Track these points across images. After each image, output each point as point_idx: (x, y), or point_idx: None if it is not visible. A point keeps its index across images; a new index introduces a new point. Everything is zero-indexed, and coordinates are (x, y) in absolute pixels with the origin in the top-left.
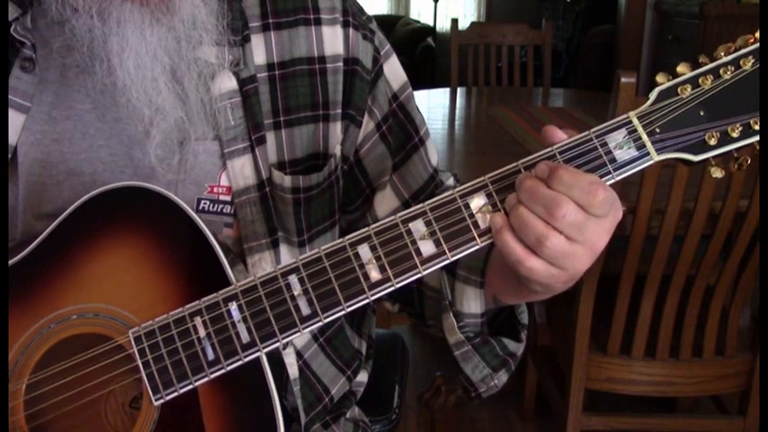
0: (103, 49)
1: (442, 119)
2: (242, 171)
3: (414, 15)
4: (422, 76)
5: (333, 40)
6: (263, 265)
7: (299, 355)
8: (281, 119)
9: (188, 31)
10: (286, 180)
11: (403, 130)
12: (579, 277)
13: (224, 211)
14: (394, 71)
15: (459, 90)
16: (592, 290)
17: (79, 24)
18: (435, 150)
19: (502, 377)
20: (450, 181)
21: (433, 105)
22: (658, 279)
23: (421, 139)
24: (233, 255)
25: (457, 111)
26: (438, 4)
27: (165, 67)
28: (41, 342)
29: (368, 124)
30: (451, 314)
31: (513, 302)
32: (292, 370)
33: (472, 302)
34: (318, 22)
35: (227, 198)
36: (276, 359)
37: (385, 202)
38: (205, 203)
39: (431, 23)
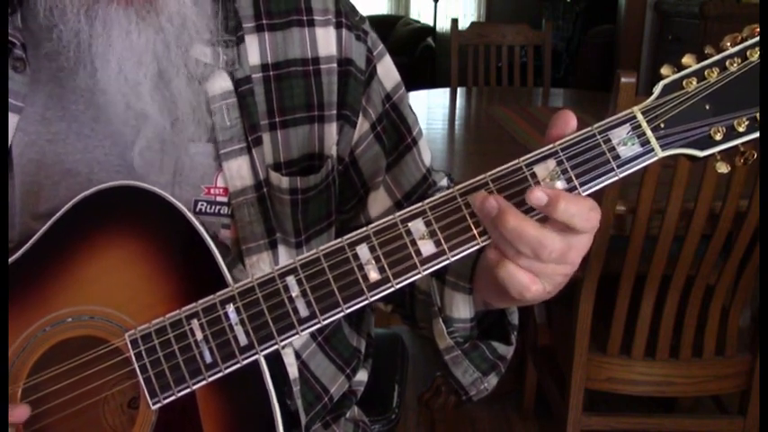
0: (88, 53)
1: (442, 119)
2: (239, 172)
3: (414, 15)
4: (422, 76)
5: (326, 41)
6: (261, 266)
7: (297, 355)
8: (277, 120)
9: (177, 33)
10: (283, 181)
11: (396, 131)
12: (561, 286)
13: (221, 212)
14: (387, 71)
15: (459, 90)
16: (592, 290)
17: (66, 28)
18: (429, 150)
19: (492, 380)
20: (444, 182)
21: (433, 105)
22: (658, 279)
23: (414, 139)
24: (233, 255)
25: (457, 111)
26: (438, 4)
27: (151, 71)
28: (37, 345)
29: (362, 124)
30: (441, 320)
31: (500, 306)
32: (292, 370)
33: (461, 308)
34: (312, 24)
35: (224, 199)
36: (277, 359)
37: (378, 202)
38: (202, 205)
39: (431, 23)
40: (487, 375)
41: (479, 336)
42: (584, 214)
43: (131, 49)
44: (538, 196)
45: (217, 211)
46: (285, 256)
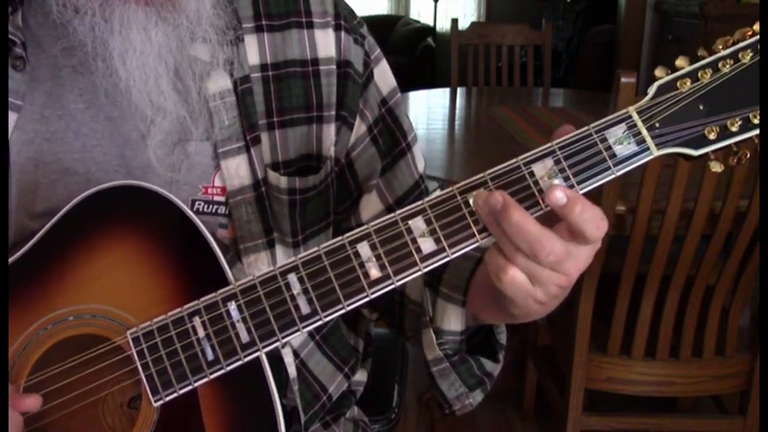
0: (105, 49)
1: (442, 119)
2: (237, 171)
3: (414, 15)
4: (422, 76)
5: (325, 43)
6: (259, 265)
7: (295, 354)
8: (275, 119)
9: (193, 28)
10: (282, 181)
11: (391, 135)
12: (552, 307)
13: (218, 211)
14: (384, 76)
15: (459, 90)
16: (592, 290)
17: (83, 24)
18: (423, 158)
19: (477, 396)
20: (437, 193)
21: (433, 105)
22: (658, 279)
23: (408, 144)
24: (232, 253)
25: (457, 111)
26: (438, 4)
27: (169, 65)
28: (38, 344)
29: (359, 127)
30: (431, 330)
31: (492, 322)
32: (291, 369)
33: (453, 320)
34: (311, 26)
35: (222, 199)
36: (275, 358)
37: (370, 205)
38: (200, 204)
39: (431, 23)
40: (473, 391)
41: (467, 350)
42: (596, 221)
43: (150, 46)
44: (558, 196)
45: (214, 210)
46: (283, 256)
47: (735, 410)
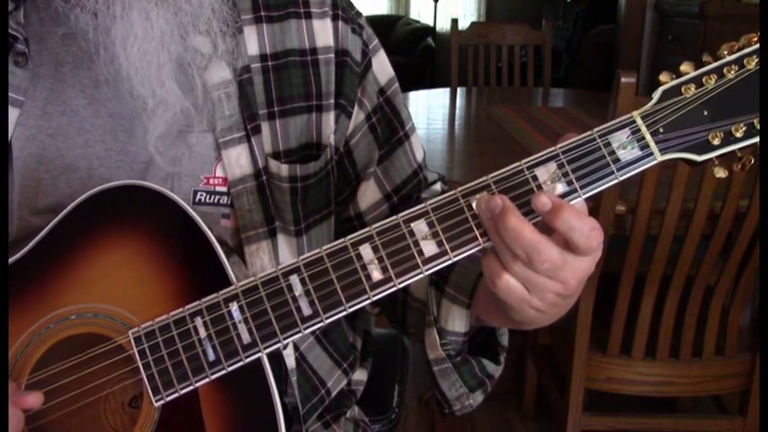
0: (107, 37)
1: (441, 119)
2: (238, 161)
3: (414, 15)
4: (422, 76)
5: (323, 32)
6: (260, 254)
7: (294, 347)
8: (276, 109)
9: (195, 13)
10: (283, 169)
11: (389, 124)
12: (556, 316)
13: (221, 202)
14: (381, 66)
15: (459, 90)
16: (592, 289)
17: (85, 12)
18: (422, 148)
19: (477, 397)
20: (438, 186)
21: (433, 105)
22: (658, 279)
23: (406, 133)
24: (227, 247)
25: (457, 111)
26: (438, 4)
27: (171, 55)
28: (40, 342)
29: (358, 115)
30: (435, 330)
31: (495, 325)
32: (290, 360)
33: (457, 321)
34: (309, 16)
35: (224, 189)
36: (275, 353)
37: (368, 193)
38: (201, 195)
39: (431, 23)
40: (474, 392)
41: (469, 351)
42: (584, 231)
43: (152, 30)
44: (543, 201)
45: (216, 201)
46: (285, 245)
47: (735, 410)
